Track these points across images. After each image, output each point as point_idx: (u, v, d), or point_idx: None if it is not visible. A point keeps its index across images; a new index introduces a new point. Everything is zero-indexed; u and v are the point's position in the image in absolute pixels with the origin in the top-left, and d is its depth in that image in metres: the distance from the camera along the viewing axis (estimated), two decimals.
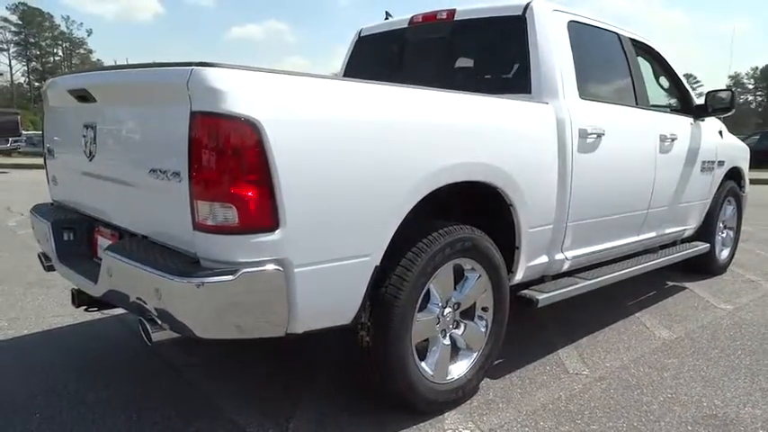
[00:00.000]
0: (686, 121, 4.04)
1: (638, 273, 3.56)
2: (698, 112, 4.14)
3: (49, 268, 2.60)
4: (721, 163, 4.43)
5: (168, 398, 2.50)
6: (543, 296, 2.80)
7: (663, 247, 4.20)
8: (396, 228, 2.10)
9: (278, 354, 2.97)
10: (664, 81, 4.21)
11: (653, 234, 3.84)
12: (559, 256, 3.01)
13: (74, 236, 2.49)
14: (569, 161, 2.86)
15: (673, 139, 3.72)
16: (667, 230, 4.02)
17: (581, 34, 3.19)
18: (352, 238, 1.99)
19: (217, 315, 1.76)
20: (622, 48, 3.55)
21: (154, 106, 1.92)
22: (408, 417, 2.34)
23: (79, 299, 2.40)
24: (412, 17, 3.56)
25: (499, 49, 3.15)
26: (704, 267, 4.69)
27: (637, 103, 3.54)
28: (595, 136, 3.01)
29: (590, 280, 3.11)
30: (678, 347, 3.20)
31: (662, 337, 3.35)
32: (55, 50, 75.70)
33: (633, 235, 3.63)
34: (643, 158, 3.48)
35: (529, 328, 3.41)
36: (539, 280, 3.03)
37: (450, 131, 2.30)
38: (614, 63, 3.53)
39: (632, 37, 3.70)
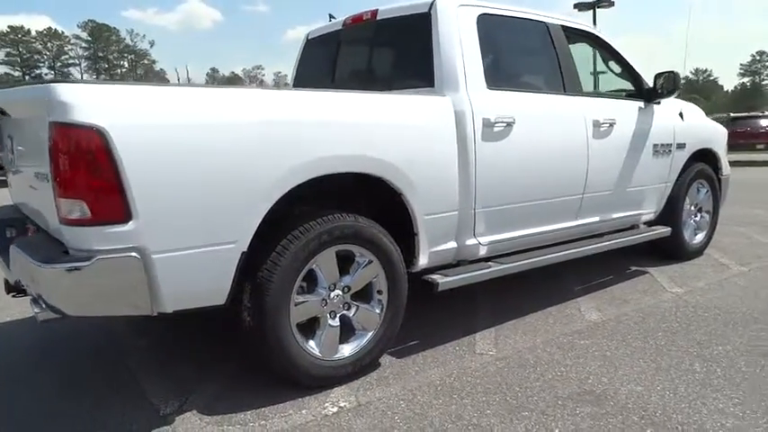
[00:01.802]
0: (633, 105, 4.02)
1: (567, 258, 3.58)
2: (649, 96, 4.11)
3: None
4: (681, 145, 4.36)
5: (103, 375, 2.83)
6: (444, 280, 2.93)
7: (621, 231, 4.21)
8: (262, 216, 2.32)
9: (210, 335, 3.26)
10: (615, 67, 4.21)
11: (596, 218, 3.87)
12: (471, 242, 3.12)
13: (15, 233, 2.85)
14: (471, 150, 2.98)
15: (611, 124, 3.73)
16: (616, 215, 4.02)
17: (495, 27, 3.29)
18: (214, 226, 2.21)
19: (80, 296, 2.04)
20: (549, 36, 3.59)
21: (34, 118, 2.22)
22: (296, 391, 2.55)
23: (8, 287, 2.75)
24: (345, 19, 3.75)
25: (410, 46, 3.28)
26: (672, 252, 4.61)
27: (565, 90, 3.58)
28: (504, 124, 3.11)
29: (503, 265, 3.20)
30: (598, 330, 3.24)
31: (589, 320, 3.40)
32: (121, 62, 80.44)
33: (569, 220, 3.68)
34: (569, 144, 3.52)
35: (458, 311, 3.54)
36: (456, 265, 3.17)
37: (320, 127, 2.48)
38: (537, 52, 3.59)
39: (565, 25, 3.73)
